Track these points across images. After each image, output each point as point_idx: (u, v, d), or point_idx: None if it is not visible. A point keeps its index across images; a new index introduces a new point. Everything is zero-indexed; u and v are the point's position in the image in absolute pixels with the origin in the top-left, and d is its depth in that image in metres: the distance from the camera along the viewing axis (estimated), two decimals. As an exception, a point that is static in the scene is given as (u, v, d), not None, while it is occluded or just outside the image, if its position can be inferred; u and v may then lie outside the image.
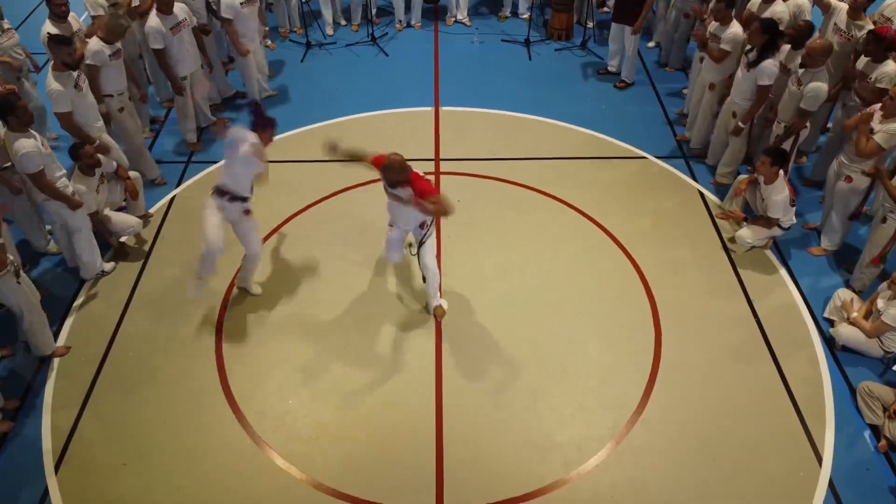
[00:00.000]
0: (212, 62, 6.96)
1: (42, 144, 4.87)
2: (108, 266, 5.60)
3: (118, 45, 5.85)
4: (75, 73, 5.40)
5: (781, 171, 5.30)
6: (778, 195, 5.28)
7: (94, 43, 5.68)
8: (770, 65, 5.65)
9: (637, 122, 7.34)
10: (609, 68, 8.06)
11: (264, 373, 4.89)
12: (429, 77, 8.05)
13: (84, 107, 5.51)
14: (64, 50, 5.26)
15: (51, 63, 5.37)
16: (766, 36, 5.56)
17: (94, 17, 6.30)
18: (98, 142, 5.46)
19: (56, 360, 4.94)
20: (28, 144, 4.73)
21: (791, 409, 4.68)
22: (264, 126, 4.74)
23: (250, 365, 4.94)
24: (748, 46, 5.80)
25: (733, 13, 6.05)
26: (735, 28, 6.00)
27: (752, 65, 5.72)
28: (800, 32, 5.57)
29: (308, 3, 8.75)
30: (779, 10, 5.98)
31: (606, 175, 6.57)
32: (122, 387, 4.80)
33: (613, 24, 7.63)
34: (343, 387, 4.80)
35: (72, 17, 5.98)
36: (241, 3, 6.82)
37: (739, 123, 6.04)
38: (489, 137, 7.04)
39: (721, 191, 6.35)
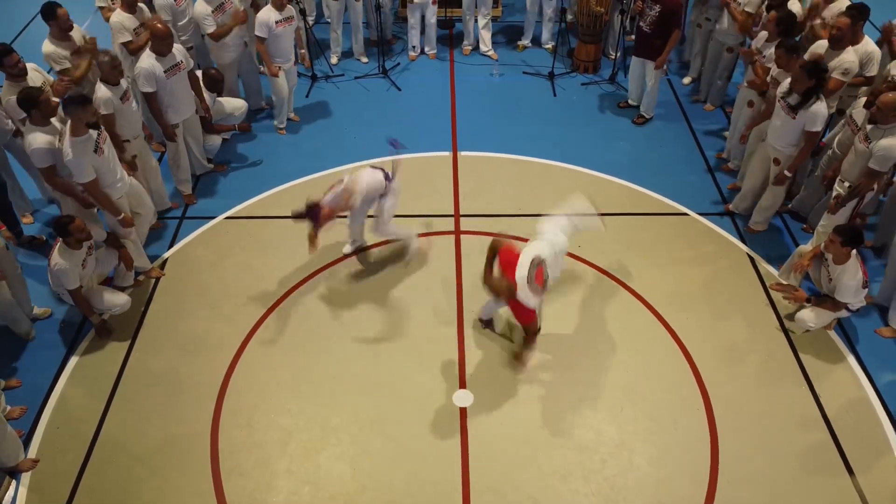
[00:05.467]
0: (209, 105, 6.30)
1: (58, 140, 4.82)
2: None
3: (124, 85, 5.33)
4: (95, 134, 4.81)
5: (854, 252, 4.67)
6: (850, 279, 4.64)
7: (102, 90, 5.18)
8: (823, 108, 5.09)
9: (674, 169, 6.69)
10: (630, 101, 7.47)
11: (266, 486, 4.25)
12: (445, 115, 7.39)
13: (106, 169, 4.91)
14: (88, 110, 4.67)
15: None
16: (813, 80, 5.01)
17: (59, 73, 5.68)
18: (123, 215, 5.07)
19: (27, 473, 4.31)
20: (41, 140, 4.77)
21: (874, 536, 4.07)
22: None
23: (250, 478, 4.30)
24: (785, 90, 5.24)
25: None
26: None
27: (794, 109, 5.14)
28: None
29: (311, 30, 8.07)
30: (848, 60, 5.33)
31: (645, 236, 5.92)
32: (103, 504, 4.18)
33: (634, 58, 7.04)
34: (357, 503, 4.19)
35: (32, 70, 5.39)
36: (277, 22, 6.37)
37: (786, 172, 5.44)
38: (513, 189, 6.39)
39: (758, 241, 5.73)
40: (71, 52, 5.65)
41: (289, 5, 6.50)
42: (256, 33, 6.47)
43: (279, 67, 6.67)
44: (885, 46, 5.70)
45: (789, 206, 6.15)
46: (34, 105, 4.74)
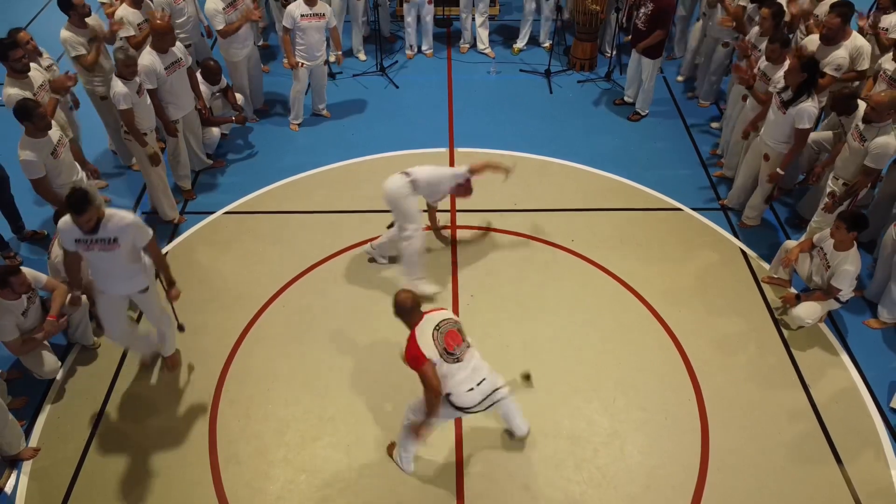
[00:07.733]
0: (207, 104, 6.38)
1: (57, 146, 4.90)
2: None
3: (138, 80, 5.38)
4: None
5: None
6: (851, 265, 4.70)
7: (119, 86, 5.25)
8: (811, 106, 5.15)
9: (669, 164, 6.76)
10: (626, 98, 7.53)
11: (264, 475, 4.32)
12: (442, 112, 7.45)
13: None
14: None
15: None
16: (806, 75, 5.07)
17: (73, 58, 5.81)
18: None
19: (28, 462, 4.38)
20: (29, 153, 4.75)
21: (861, 524, 4.13)
22: None
23: (247, 466, 4.37)
24: (780, 85, 5.31)
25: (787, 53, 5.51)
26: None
27: (786, 105, 5.20)
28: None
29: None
30: (840, 56, 5.41)
31: (639, 230, 5.99)
32: (103, 493, 4.24)
33: (633, 53, 7.11)
34: (353, 490, 4.24)
35: (35, 69, 5.43)
36: (303, 16, 6.46)
37: (779, 170, 5.50)
38: (509, 185, 6.41)
39: (751, 236, 5.80)
40: (87, 39, 5.80)
41: (321, 2, 6.55)
42: (283, 23, 6.60)
43: (301, 63, 6.72)
44: (871, 38, 5.76)
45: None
46: (28, 118, 4.69)
